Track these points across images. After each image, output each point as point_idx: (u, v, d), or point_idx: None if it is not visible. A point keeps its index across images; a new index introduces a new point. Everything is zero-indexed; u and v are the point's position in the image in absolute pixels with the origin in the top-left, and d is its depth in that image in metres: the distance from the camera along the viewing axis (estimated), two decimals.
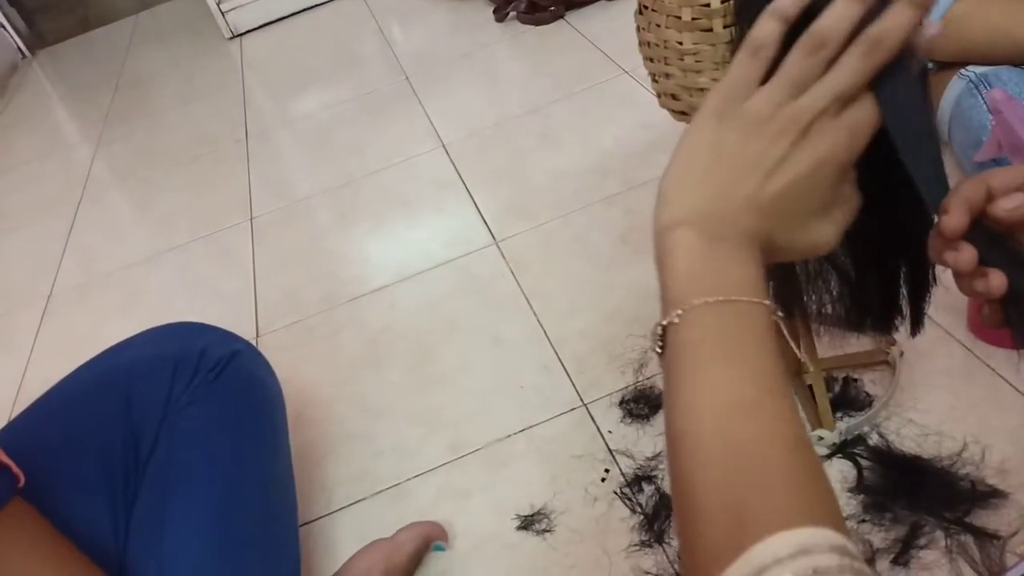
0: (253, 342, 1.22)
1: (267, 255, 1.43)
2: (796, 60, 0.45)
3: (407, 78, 1.86)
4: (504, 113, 1.61)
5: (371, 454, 0.99)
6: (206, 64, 2.33)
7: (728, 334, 0.39)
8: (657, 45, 0.66)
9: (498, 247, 1.27)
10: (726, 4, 0.59)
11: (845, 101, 0.46)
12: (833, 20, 0.45)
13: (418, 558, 0.83)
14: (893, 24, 0.44)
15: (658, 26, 0.64)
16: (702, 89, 0.65)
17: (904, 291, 0.70)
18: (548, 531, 0.85)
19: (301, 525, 0.91)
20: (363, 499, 0.94)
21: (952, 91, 1.03)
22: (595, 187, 1.32)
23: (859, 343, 0.90)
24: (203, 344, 0.82)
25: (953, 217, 0.44)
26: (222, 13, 2.35)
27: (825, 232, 0.46)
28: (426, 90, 1.79)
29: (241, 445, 0.78)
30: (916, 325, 0.73)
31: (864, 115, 0.46)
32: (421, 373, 1.08)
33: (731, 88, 0.45)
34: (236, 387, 0.81)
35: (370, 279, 1.28)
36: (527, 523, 0.86)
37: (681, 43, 0.62)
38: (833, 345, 0.89)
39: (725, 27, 0.60)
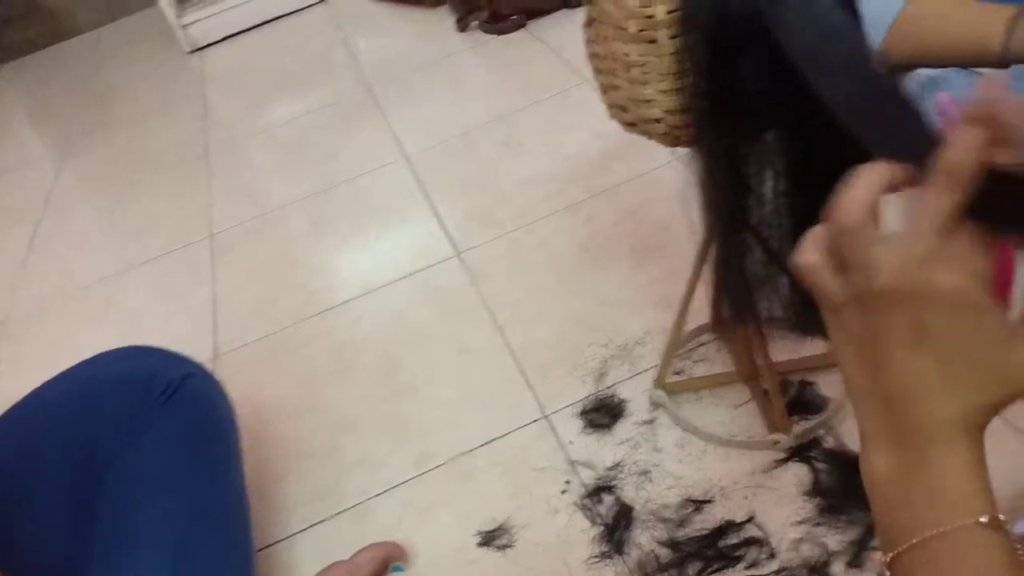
0: (212, 359, 1.21)
1: (230, 270, 1.42)
2: (925, 212, 0.43)
3: (370, 89, 1.85)
4: (467, 122, 1.60)
5: (334, 471, 0.98)
6: (167, 78, 2.31)
7: None
8: (604, 57, 0.66)
9: (460, 258, 1.26)
10: (671, 16, 0.59)
11: None
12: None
13: None
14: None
15: (605, 38, 0.64)
16: (648, 100, 0.65)
17: None
18: (509, 546, 0.84)
19: (260, 549, 0.90)
20: (324, 520, 0.93)
21: None
22: (558, 195, 1.32)
23: (815, 346, 0.90)
24: (154, 368, 0.81)
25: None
26: (182, 27, 2.33)
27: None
28: (389, 101, 1.78)
29: (193, 468, 0.78)
30: None
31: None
32: (385, 387, 1.08)
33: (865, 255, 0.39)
34: (187, 411, 0.80)
35: (334, 293, 1.27)
36: (488, 539, 0.85)
37: (628, 55, 0.62)
38: (789, 349, 0.90)
39: (670, 38, 0.60)
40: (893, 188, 0.39)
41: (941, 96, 0.80)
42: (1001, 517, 0.36)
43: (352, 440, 1.01)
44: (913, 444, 0.38)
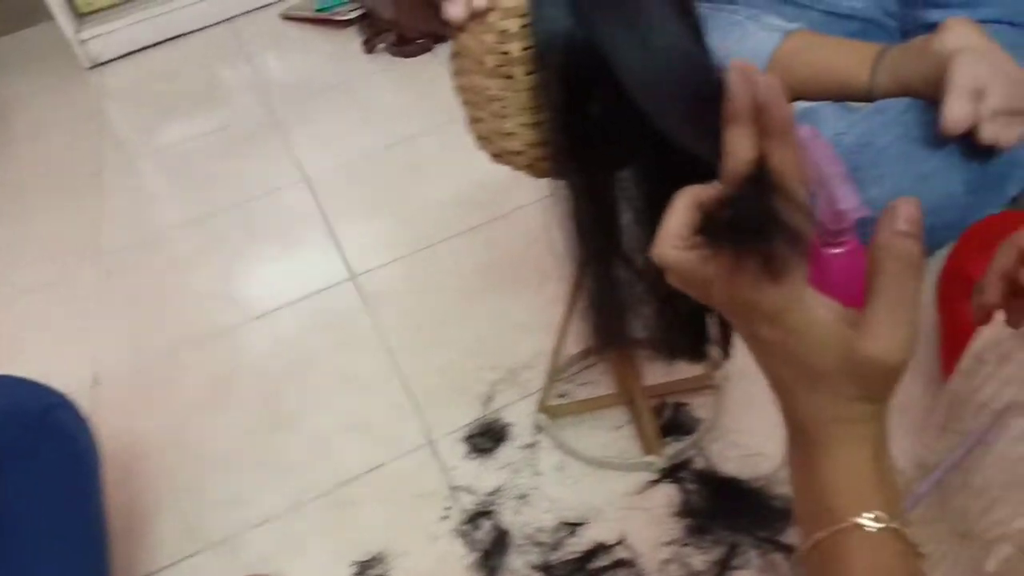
0: (90, 387, 1.16)
1: (114, 295, 1.37)
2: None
3: (272, 110, 1.82)
4: (370, 145, 1.59)
5: (205, 506, 0.95)
6: (64, 94, 2.22)
7: None
8: (468, 90, 0.67)
9: (355, 283, 1.25)
10: (525, 52, 0.60)
11: None
12: None
13: None
14: None
15: (467, 71, 0.65)
16: (510, 134, 0.65)
17: (712, 319, 0.73)
18: None
19: None
20: (193, 554, 0.89)
21: None
22: (458, 220, 1.32)
23: (689, 369, 0.92)
24: (17, 399, 0.79)
25: (990, 294, 0.48)
26: (80, 42, 2.25)
27: None
28: (292, 122, 1.76)
29: (50, 501, 0.74)
30: (726, 350, 0.75)
31: None
32: (265, 417, 1.05)
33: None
34: (48, 443, 0.77)
35: (218, 319, 1.24)
36: (363, 568, 0.84)
37: (488, 89, 0.63)
38: (666, 372, 0.91)
39: (526, 75, 0.61)
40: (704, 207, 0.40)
41: (803, 129, 0.84)
42: (879, 516, 0.36)
43: (226, 473, 0.98)
44: (801, 441, 0.39)
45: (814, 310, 0.37)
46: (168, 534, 0.92)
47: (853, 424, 0.38)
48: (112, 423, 0.92)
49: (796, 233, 0.36)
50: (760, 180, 0.38)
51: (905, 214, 0.35)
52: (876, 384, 0.37)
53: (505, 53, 0.60)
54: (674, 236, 0.40)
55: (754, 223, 0.37)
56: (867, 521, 0.36)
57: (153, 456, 1.02)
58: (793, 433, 0.41)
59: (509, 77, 0.62)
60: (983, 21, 0.92)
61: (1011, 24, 0.98)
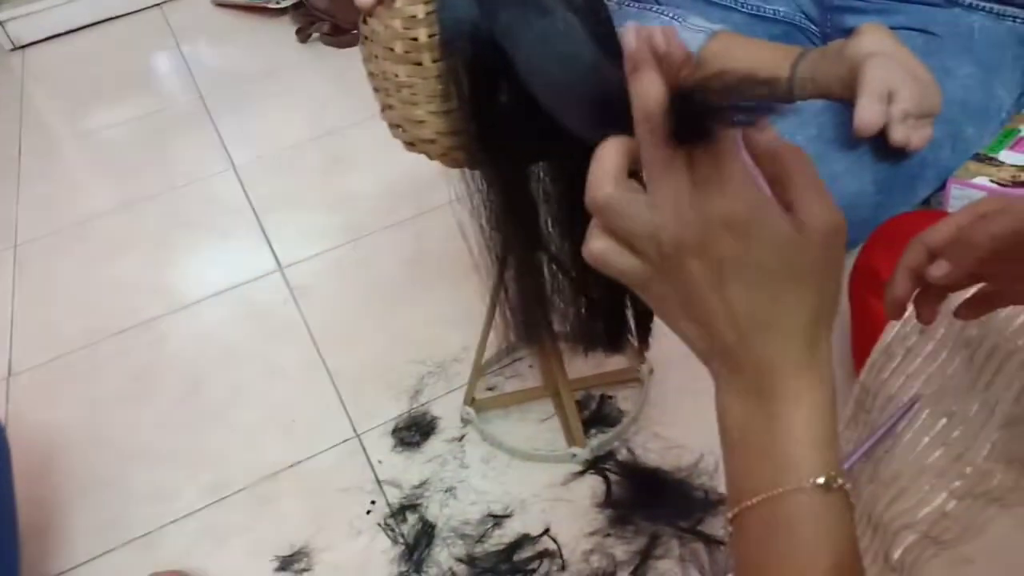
0: (4, 378, 1.12)
1: (31, 284, 1.32)
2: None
3: (202, 97, 1.78)
4: (300, 135, 1.57)
5: (124, 500, 0.92)
6: None
7: None
8: (378, 76, 0.66)
9: (283, 273, 1.23)
10: (432, 39, 0.60)
11: None
12: None
13: None
14: None
15: (376, 57, 0.64)
16: (421, 121, 0.65)
17: (630, 310, 0.74)
18: (307, 570, 0.82)
19: None
20: (111, 550, 0.87)
21: None
22: (387, 212, 1.31)
23: (614, 362, 0.93)
24: None
25: (900, 289, 0.47)
26: (0, 23, 2.16)
27: None
28: (221, 110, 1.72)
29: None
30: (643, 341, 0.77)
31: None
32: (187, 410, 1.02)
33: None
34: None
35: (140, 310, 1.20)
36: (285, 564, 0.82)
37: (397, 75, 0.63)
38: (592, 364, 0.92)
39: (434, 61, 0.61)
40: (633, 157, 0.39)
41: None
42: (836, 476, 0.35)
43: (145, 467, 0.96)
44: (759, 391, 0.37)
45: (770, 210, 0.36)
46: (86, 529, 0.90)
47: (811, 369, 0.37)
48: (29, 416, 0.88)
49: (749, 107, 0.36)
50: (686, 92, 0.37)
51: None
52: (827, 261, 0.36)
53: (413, 39, 0.60)
54: (610, 176, 0.37)
55: (709, 108, 0.36)
56: (825, 480, 0.35)
57: (71, 449, 0.99)
58: (743, 381, 0.38)
59: (418, 64, 0.61)
60: (896, 28, 0.95)
61: (922, 31, 1.02)
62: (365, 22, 0.63)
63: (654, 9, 1.14)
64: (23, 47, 2.22)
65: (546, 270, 0.73)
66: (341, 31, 1.83)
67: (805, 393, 0.37)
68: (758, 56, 1.07)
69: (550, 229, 0.68)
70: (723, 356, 0.38)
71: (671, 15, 1.13)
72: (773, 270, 0.36)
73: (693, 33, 1.10)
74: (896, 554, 0.61)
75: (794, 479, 0.35)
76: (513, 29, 0.52)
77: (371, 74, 0.66)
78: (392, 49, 0.60)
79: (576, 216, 0.65)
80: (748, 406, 0.38)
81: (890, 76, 0.86)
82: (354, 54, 1.82)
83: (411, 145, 0.68)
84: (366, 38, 0.64)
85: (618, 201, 0.36)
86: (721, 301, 0.37)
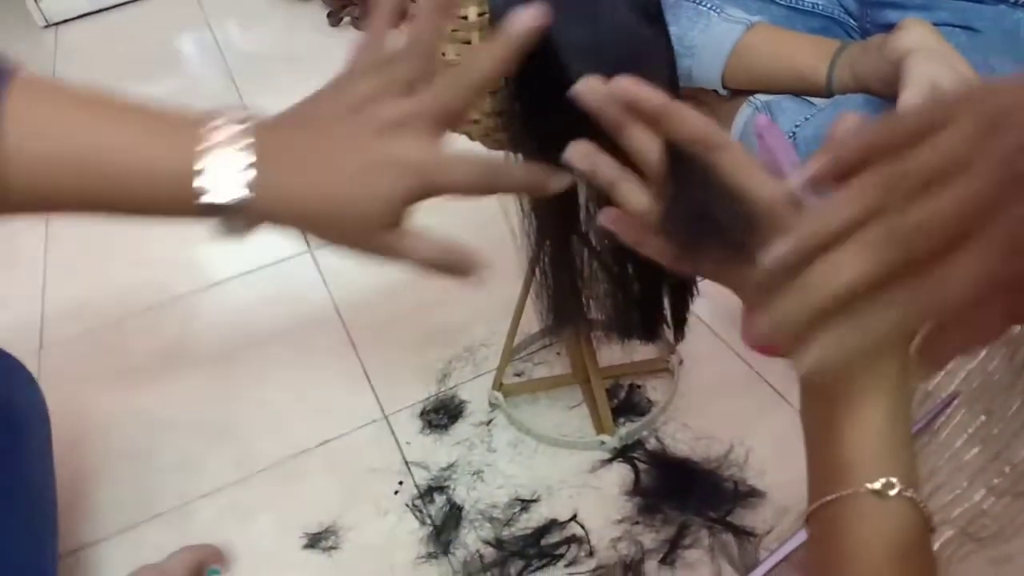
0: (36, 350, 1.13)
1: (62, 258, 1.33)
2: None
3: (232, 78, 1.79)
4: None
5: (152, 474, 0.93)
6: (16, 53, 2.14)
7: None
8: None
9: (312, 255, 1.24)
10: (482, 18, 0.60)
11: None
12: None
13: None
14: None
15: None
16: None
17: (667, 300, 0.74)
18: (335, 548, 0.83)
19: (68, 554, 0.85)
20: (139, 523, 0.88)
21: (741, 117, 1.10)
22: None
23: (644, 351, 0.93)
24: None
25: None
26: (36, 0, 2.17)
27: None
28: (251, 91, 1.72)
29: None
30: (679, 332, 0.76)
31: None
32: (215, 387, 1.03)
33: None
34: None
35: (171, 286, 1.21)
36: (314, 541, 0.83)
37: (444, 54, 0.63)
38: (622, 353, 0.92)
39: (482, 40, 0.61)
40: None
41: (760, 118, 0.85)
42: (894, 483, 0.35)
43: (174, 442, 0.97)
44: (821, 395, 0.37)
45: None
46: (115, 502, 0.91)
47: (879, 378, 0.36)
48: (59, 388, 0.89)
49: (744, 220, 0.37)
50: (687, 170, 0.38)
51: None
52: None
53: (463, 17, 0.60)
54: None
55: (707, 218, 0.37)
56: (881, 487, 0.35)
57: (101, 423, 1.00)
58: (811, 387, 0.39)
59: (467, 43, 0.61)
60: (938, 24, 0.94)
61: (965, 28, 1.01)
62: (413, 1, 0.63)
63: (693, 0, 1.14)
64: (56, 24, 2.24)
65: (583, 256, 0.73)
66: None
67: (870, 396, 0.36)
68: (796, 49, 1.06)
69: (591, 213, 0.68)
70: None
71: (709, 6, 1.12)
72: None
73: (731, 24, 1.09)
74: (933, 547, 0.60)
75: (853, 483, 0.36)
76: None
77: None
78: None
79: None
80: (818, 409, 0.38)
81: (934, 72, 0.85)
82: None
83: None
84: (412, 15, 0.64)
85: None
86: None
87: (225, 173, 0.42)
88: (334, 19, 1.90)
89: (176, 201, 0.44)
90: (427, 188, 0.43)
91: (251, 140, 0.42)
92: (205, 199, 0.42)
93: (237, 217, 0.44)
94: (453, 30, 0.61)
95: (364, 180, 0.42)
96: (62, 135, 0.44)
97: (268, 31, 2.01)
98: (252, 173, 0.42)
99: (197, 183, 0.42)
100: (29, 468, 0.74)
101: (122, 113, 0.45)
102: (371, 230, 0.44)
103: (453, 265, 0.47)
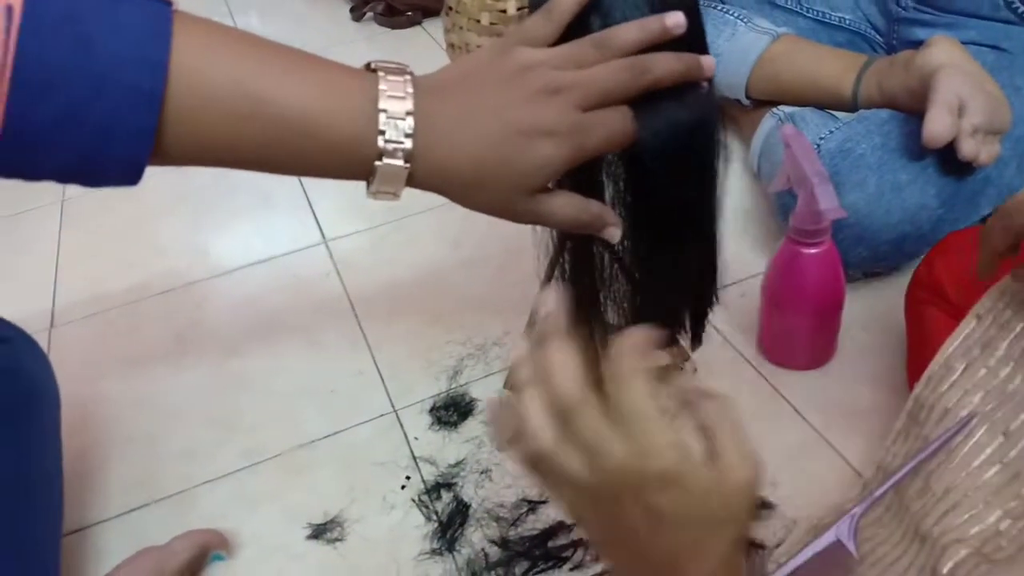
0: (47, 329, 1.13)
1: (76, 239, 1.33)
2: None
3: None
4: None
5: (158, 458, 0.93)
6: None
7: None
8: (460, 47, 0.66)
9: (327, 246, 1.23)
10: (521, 12, 0.60)
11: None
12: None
13: (194, 568, 0.78)
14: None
15: (460, 28, 0.64)
16: None
17: (686, 307, 0.74)
18: (339, 540, 0.82)
19: (70, 532, 0.84)
20: (143, 506, 0.88)
21: (764, 127, 1.09)
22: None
23: (656, 356, 0.93)
24: None
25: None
26: None
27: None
28: None
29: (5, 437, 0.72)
30: (696, 339, 0.76)
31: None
32: (224, 375, 1.03)
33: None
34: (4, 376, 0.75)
35: (183, 272, 1.22)
36: (318, 532, 0.83)
37: (480, 47, 0.63)
38: None
39: None
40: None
41: (786, 128, 0.85)
42: None
43: (181, 428, 0.96)
44: None
45: (698, 466, 0.39)
46: (120, 484, 0.91)
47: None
48: (69, 368, 0.89)
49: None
50: None
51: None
52: (746, 503, 0.41)
53: (502, 11, 0.60)
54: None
55: None
56: None
57: (109, 404, 1.00)
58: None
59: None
60: (966, 42, 0.94)
61: (993, 47, 1.01)
62: None
63: (719, 8, 1.14)
64: None
65: (604, 258, 0.72)
66: (396, 12, 1.84)
67: None
68: (822, 62, 1.06)
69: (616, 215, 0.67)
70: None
71: (736, 15, 1.12)
72: (698, 517, 0.39)
73: (758, 34, 1.09)
74: (946, 568, 0.60)
75: None
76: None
77: (452, 45, 0.66)
78: (478, 20, 0.61)
79: (646, 202, 0.65)
80: None
81: (961, 89, 0.85)
82: (407, 36, 1.84)
83: None
84: (451, 8, 0.64)
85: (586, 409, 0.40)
86: (649, 551, 0.39)
87: (397, 135, 0.44)
88: (356, 14, 1.91)
89: (350, 160, 0.46)
90: (577, 155, 0.44)
91: (414, 105, 0.45)
92: (385, 161, 0.44)
93: (399, 180, 0.46)
94: (491, 23, 0.60)
95: (516, 147, 0.45)
96: (228, 81, 0.45)
97: (290, 24, 2.01)
98: (415, 140, 0.44)
99: (380, 143, 0.44)
100: (40, 441, 0.74)
101: (291, 62, 0.46)
102: (519, 196, 0.46)
103: (594, 221, 0.50)
